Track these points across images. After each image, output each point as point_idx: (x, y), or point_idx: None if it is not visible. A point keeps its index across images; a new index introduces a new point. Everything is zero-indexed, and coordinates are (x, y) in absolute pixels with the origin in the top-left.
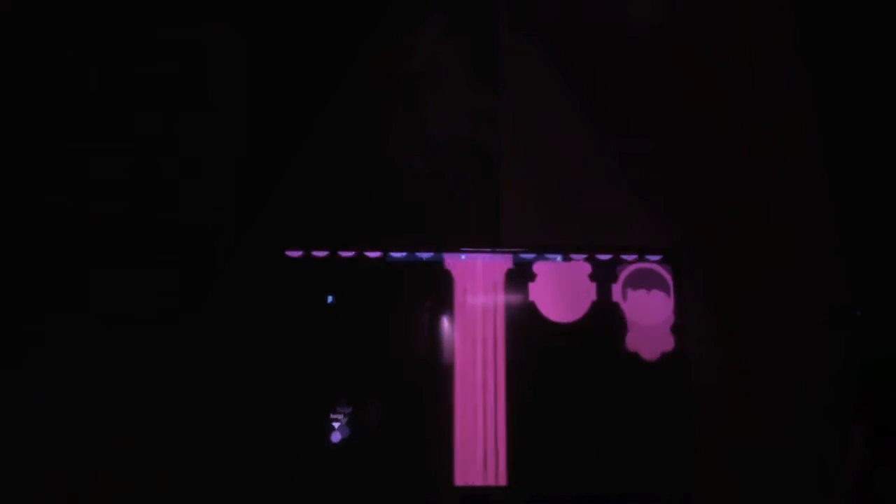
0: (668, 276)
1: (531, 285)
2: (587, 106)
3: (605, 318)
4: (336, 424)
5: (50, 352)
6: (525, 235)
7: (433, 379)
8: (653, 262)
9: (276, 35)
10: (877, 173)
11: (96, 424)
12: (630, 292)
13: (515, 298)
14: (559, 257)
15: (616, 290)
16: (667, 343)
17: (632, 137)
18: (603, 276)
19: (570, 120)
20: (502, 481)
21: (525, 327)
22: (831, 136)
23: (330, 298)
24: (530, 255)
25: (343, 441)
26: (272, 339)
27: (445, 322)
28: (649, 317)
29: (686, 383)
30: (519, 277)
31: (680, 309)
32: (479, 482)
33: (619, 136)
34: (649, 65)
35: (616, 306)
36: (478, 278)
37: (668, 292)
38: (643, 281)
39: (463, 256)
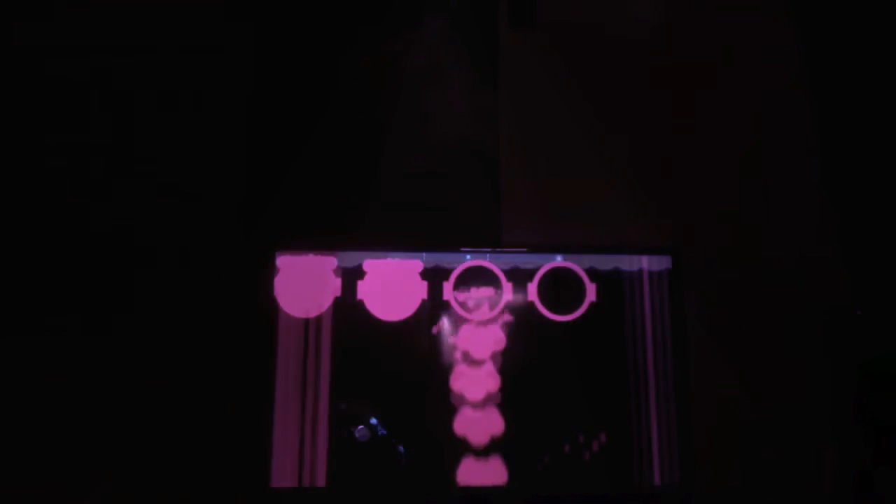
0: (499, 273)
1: (360, 283)
2: (587, 106)
3: (436, 316)
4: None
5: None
6: (525, 235)
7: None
8: (485, 260)
9: (277, 35)
10: (876, 173)
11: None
12: (462, 290)
13: (344, 296)
14: (413, 255)
15: (447, 288)
16: (498, 341)
17: (632, 137)
18: (434, 274)
19: (570, 120)
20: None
21: (353, 325)
22: (831, 135)
23: None
24: (525, 255)
25: None
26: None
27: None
28: (479, 313)
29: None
30: (348, 275)
31: (679, 309)
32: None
33: (619, 136)
34: (649, 65)
35: (447, 304)
36: (303, 274)
37: (498, 288)
38: (474, 278)
39: (468, 256)
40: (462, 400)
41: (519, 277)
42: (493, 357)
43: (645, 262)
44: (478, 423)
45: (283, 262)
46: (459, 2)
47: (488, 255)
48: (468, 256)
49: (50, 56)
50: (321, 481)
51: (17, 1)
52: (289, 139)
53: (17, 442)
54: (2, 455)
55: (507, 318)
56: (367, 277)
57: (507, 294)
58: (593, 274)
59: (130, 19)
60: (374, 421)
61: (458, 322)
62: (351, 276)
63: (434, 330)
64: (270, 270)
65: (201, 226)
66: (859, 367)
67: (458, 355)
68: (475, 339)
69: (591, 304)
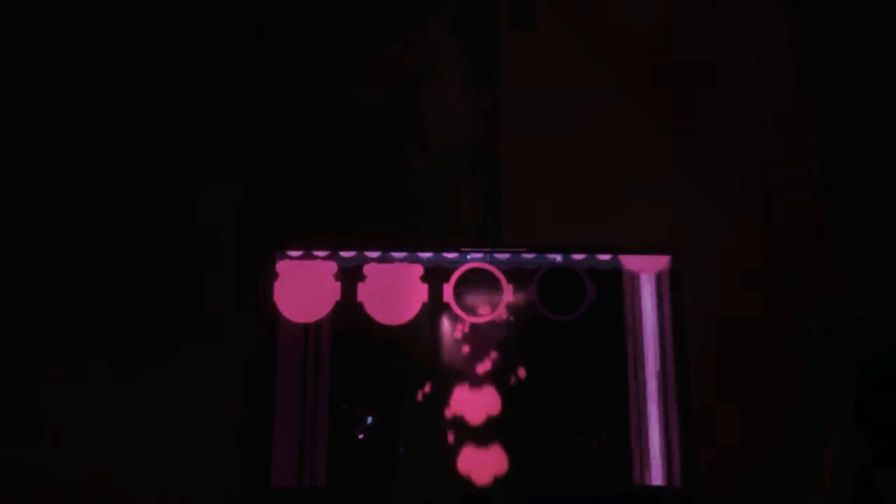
0: (499, 275)
1: (360, 286)
2: (587, 106)
3: (436, 318)
4: None
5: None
6: (525, 235)
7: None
8: (487, 262)
9: (277, 35)
10: (876, 174)
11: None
12: (462, 290)
13: (344, 299)
14: (413, 256)
15: (448, 289)
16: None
17: (632, 137)
18: (434, 275)
19: (570, 120)
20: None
21: (354, 328)
22: (831, 135)
23: None
24: (476, 255)
25: None
26: None
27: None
28: (479, 314)
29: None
30: (348, 279)
31: (679, 309)
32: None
33: (619, 136)
34: (649, 64)
35: (447, 305)
36: (303, 279)
37: (499, 290)
38: (474, 279)
39: (469, 256)
40: (462, 401)
41: (519, 278)
42: (493, 359)
43: (645, 263)
44: (478, 424)
45: (283, 266)
46: (459, 2)
47: (488, 255)
48: (468, 256)
49: (51, 56)
50: (321, 481)
51: (17, 1)
52: (288, 140)
53: (18, 442)
54: (2, 455)
55: (507, 318)
56: (367, 281)
57: (507, 294)
58: (593, 274)
59: (130, 19)
60: (370, 420)
61: (458, 324)
62: (351, 280)
63: (434, 333)
64: (270, 271)
65: (201, 227)
66: (859, 367)
67: (457, 357)
68: (475, 340)
69: (591, 304)
